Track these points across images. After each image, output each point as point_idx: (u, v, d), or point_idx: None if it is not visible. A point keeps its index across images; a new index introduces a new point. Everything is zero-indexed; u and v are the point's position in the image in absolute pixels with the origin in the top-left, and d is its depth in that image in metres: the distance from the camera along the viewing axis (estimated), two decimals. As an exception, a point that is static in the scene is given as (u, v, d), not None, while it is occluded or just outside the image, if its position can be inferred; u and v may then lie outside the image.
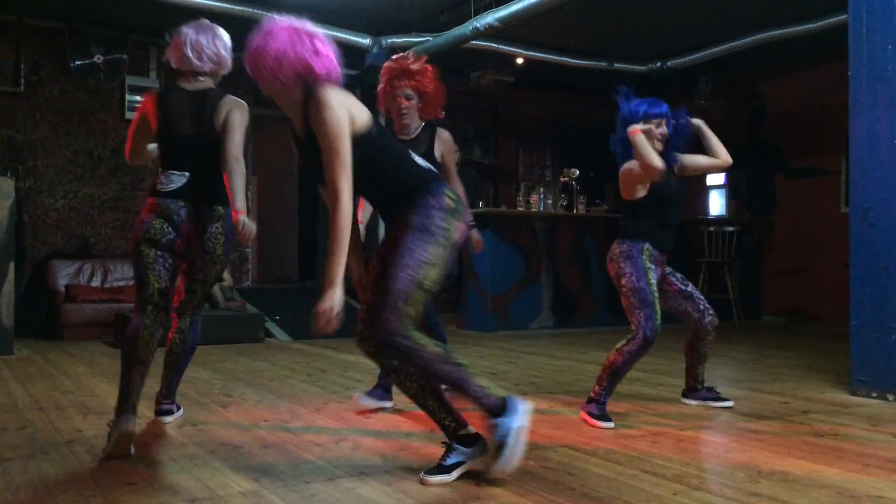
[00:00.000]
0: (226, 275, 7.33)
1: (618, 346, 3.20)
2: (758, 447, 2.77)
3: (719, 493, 2.23)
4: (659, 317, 3.17)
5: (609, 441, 2.87)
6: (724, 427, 3.16)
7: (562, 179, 8.00)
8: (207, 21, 3.24)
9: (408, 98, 3.38)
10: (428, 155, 3.36)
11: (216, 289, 6.99)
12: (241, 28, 3.14)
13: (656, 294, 3.21)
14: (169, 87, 3.21)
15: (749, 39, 7.22)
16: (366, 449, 2.74)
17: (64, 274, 6.94)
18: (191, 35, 3.13)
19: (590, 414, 3.16)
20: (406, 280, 2.22)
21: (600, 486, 2.30)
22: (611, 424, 3.08)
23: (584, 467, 2.51)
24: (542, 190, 7.94)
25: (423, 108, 3.43)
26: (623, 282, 3.23)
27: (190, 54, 3.09)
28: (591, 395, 3.23)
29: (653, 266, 3.26)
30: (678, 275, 3.46)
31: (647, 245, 3.25)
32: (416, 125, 3.47)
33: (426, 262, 2.25)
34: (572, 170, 7.72)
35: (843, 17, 4.41)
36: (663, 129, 3.26)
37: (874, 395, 3.79)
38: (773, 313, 8.60)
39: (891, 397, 3.72)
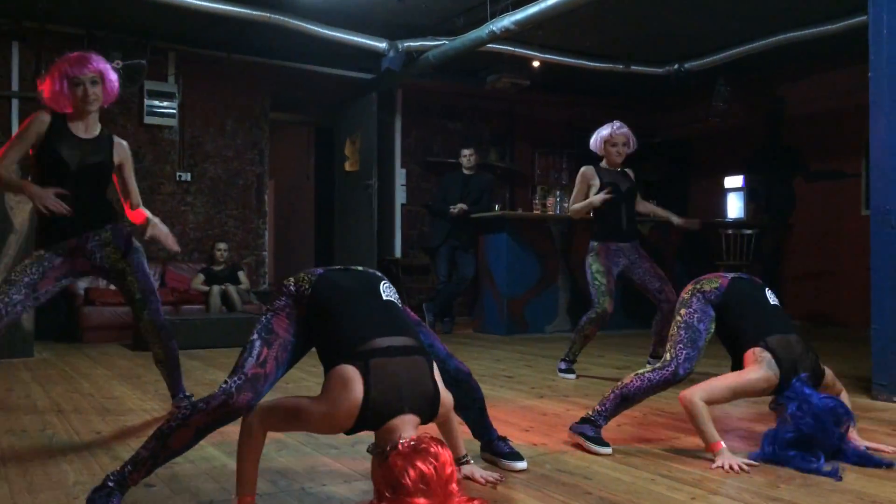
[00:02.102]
0: (243, 278, 7.37)
1: (639, 371, 2.96)
2: (777, 452, 2.74)
3: (738, 497, 2.21)
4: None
5: (626, 445, 2.85)
6: (742, 431, 3.13)
7: (578, 183, 7.96)
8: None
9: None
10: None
11: (233, 292, 7.03)
12: (256, 32, 3.16)
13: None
14: None
15: (768, 41, 7.17)
16: (382, 452, 2.74)
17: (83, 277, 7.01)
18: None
19: (583, 435, 2.84)
20: None
21: (617, 490, 2.29)
22: (608, 450, 2.76)
23: (600, 471, 2.50)
24: (558, 193, 7.92)
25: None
26: None
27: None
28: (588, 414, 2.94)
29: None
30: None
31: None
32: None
33: None
34: (589, 173, 7.69)
35: (863, 18, 4.37)
36: None
37: (895, 399, 3.75)
38: (793, 317, 8.45)
39: (913, 402, 3.67)
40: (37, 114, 3.12)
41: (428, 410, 1.95)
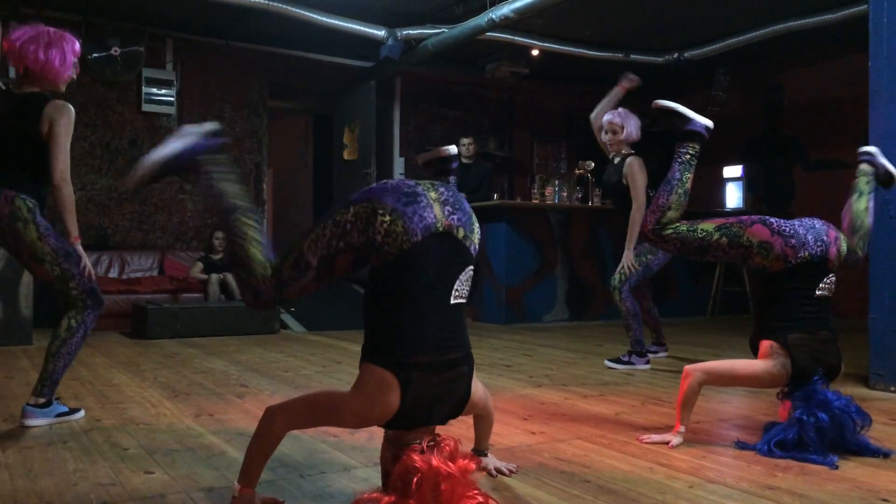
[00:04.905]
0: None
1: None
2: (774, 441, 2.75)
3: (735, 486, 2.22)
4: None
5: (624, 434, 2.86)
6: (741, 420, 3.14)
7: (577, 172, 7.97)
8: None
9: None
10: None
11: (232, 280, 7.03)
12: (254, 19, 3.13)
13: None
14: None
15: (768, 30, 7.16)
16: (380, 439, 2.75)
17: (82, 265, 7.00)
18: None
19: None
20: None
21: (615, 478, 2.30)
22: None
23: (599, 459, 2.50)
24: (557, 182, 7.91)
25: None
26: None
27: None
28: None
29: None
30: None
31: None
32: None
33: None
34: (588, 162, 7.69)
35: (864, 7, 4.36)
36: None
37: (893, 389, 3.76)
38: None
39: (910, 391, 3.68)
40: (69, 105, 3.01)
41: (452, 416, 1.98)
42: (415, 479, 1.67)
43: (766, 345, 2.70)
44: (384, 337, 1.88)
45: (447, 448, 1.76)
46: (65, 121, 2.97)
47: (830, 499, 2.10)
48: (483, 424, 2.31)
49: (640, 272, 4.62)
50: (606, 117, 4.74)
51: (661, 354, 4.97)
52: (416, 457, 1.72)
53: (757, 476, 2.31)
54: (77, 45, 3.10)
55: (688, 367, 2.75)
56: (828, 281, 2.74)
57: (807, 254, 2.69)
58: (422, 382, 1.83)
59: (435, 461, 1.70)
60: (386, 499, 1.72)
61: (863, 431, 2.55)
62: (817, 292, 2.72)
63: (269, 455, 1.97)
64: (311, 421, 2.01)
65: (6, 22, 3.13)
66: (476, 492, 1.72)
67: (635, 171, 4.59)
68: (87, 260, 3.08)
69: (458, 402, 1.95)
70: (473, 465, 1.76)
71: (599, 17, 7.20)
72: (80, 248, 3.05)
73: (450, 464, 1.71)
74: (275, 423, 1.93)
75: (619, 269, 4.65)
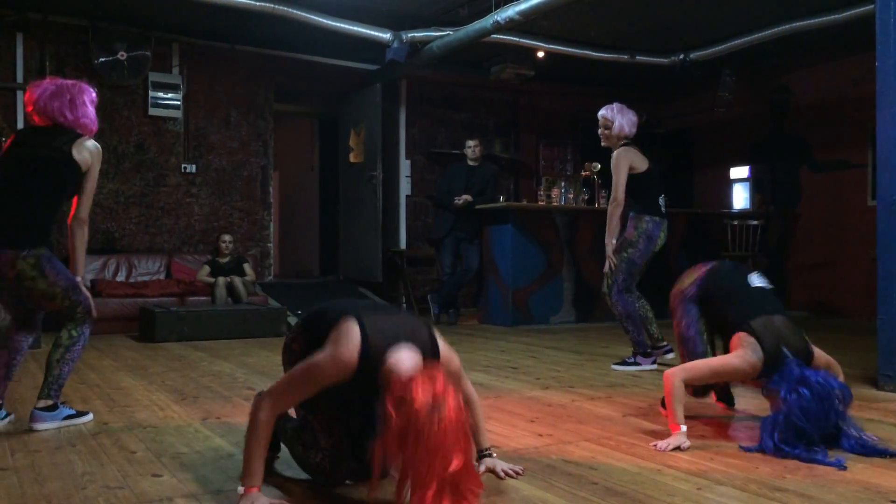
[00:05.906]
0: (248, 270, 7.38)
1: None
2: (783, 442, 2.73)
3: (744, 487, 2.21)
4: None
5: (632, 436, 2.85)
6: (749, 422, 3.13)
7: (583, 174, 7.96)
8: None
9: None
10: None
11: (239, 283, 7.04)
12: (260, 23, 3.13)
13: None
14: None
15: (774, 31, 7.13)
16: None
17: (90, 269, 7.02)
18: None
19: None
20: None
21: (623, 480, 2.29)
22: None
23: (606, 462, 2.50)
24: (563, 184, 7.91)
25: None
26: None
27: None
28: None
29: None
30: None
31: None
32: None
33: None
34: (594, 164, 7.69)
35: (871, 7, 4.35)
36: None
37: (902, 390, 3.74)
38: (799, 307, 8.50)
39: (919, 392, 3.66)
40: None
41: (428, 347, 2.05)
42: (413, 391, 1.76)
43: (734, 339, 2.78)
44: (326, 323, 2.07)
45: (429, 369, 1.88)
46: (99, 166, 3.11)
47: (839, 500, 2.10)
48: (470, 415, 2.25)
49: (624, 269, 4.58)
50: (600, 112, 4.73)
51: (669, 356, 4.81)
52: (400, 378, 1.86)
53: (765, 477, 2.30)
54: (94, 94, 3.18)
55: (667, 371, 2.78)
56: (758, 274, 2.98)
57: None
58: (375, 318, 2.04)
59: (419, 376, 1.83)
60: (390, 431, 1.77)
61: (847, 408, 2.56)
62: (754, 283, 2.92)
63: (264, 447, 1.99)
64: (294, 393, 2.06)
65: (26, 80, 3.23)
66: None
67: (617, 164, 4.58)
68: (87, 293, 3.16)
69: (425, 338, 2.06)
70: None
71: (605, 19, 7.19)
72: (81, 286, 3.12)
73: (434, 381, 1.80)
74: (261, 408, 2.00)
75: (605, 271, 4.64)
